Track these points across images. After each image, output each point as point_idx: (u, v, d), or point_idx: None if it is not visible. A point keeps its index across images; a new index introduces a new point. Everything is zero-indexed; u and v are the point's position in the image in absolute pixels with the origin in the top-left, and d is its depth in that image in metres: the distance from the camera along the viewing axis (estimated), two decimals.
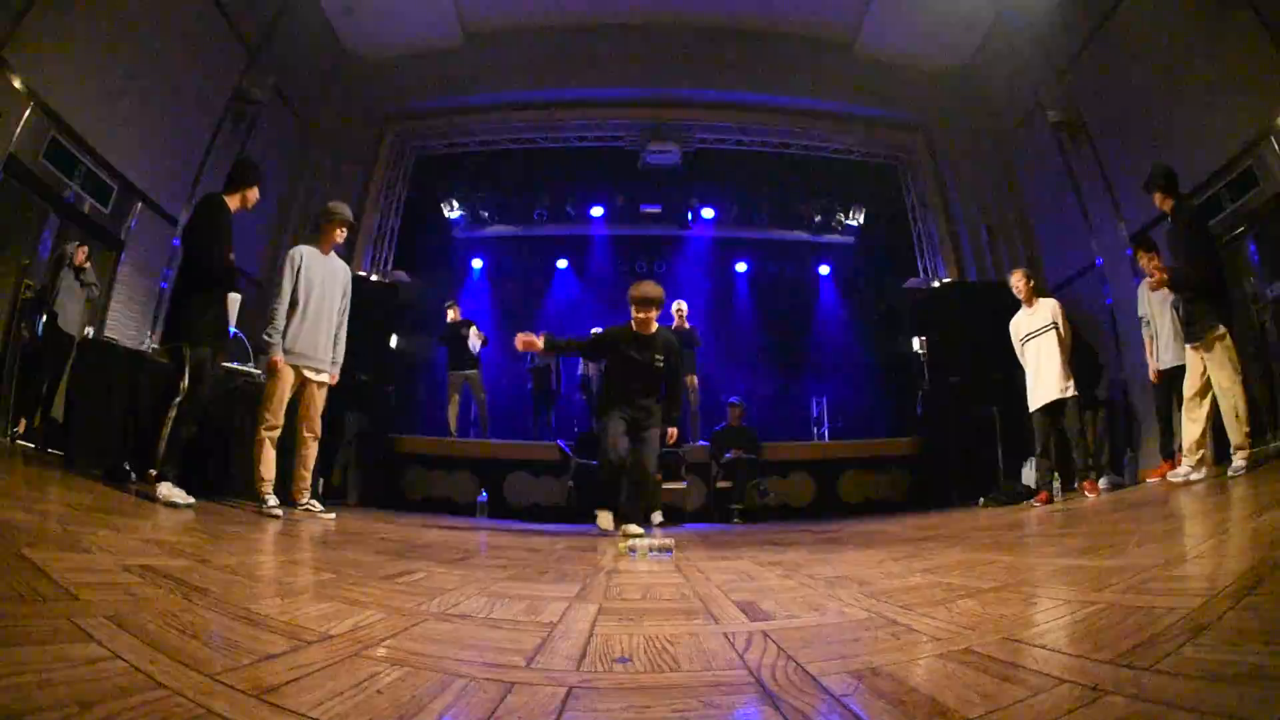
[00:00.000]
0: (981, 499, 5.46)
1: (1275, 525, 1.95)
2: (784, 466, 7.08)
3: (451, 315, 8.00)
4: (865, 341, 10.35)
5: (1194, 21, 5.32)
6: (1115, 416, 6.47)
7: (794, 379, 10.38)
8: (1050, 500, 4.66)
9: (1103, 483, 5.39)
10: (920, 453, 7.29)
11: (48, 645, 0.84)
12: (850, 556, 2.49)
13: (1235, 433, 3.76)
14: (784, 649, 1.04)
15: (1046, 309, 4.84)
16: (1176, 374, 4.40)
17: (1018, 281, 4.97)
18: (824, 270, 10.93)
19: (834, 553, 2.68)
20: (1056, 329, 4.73)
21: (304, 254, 3.83)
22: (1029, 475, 5.84)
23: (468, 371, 7.77)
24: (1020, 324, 4.97)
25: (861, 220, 10.25)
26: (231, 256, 3.53)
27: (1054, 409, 4.71)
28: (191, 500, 3.09)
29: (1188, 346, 4.03)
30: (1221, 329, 3.85)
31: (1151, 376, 4.90)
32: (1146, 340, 4.93)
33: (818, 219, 10.31)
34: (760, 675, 0.90)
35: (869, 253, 10.40)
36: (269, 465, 3.62)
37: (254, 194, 3.64)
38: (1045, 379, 4.72)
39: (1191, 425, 3.98)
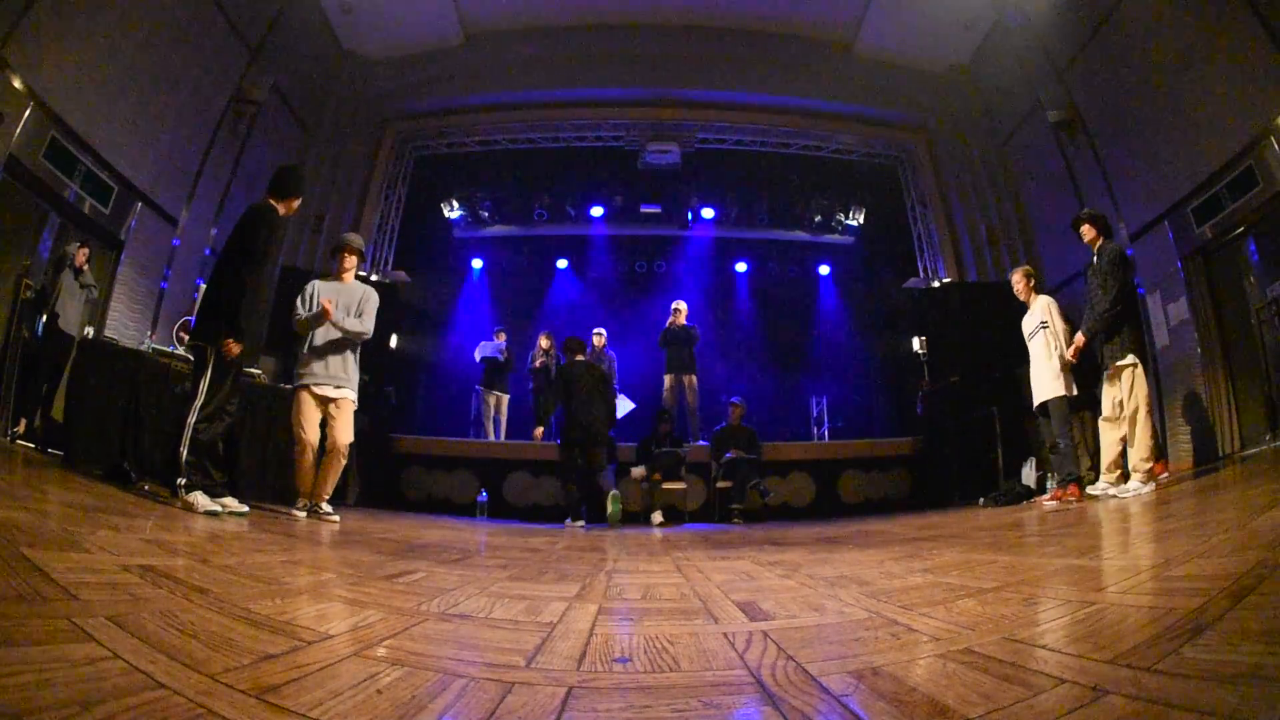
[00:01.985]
0: (981, 499, 5.47)
1: (1275, 525, 1.94)
2: (784, 466, 7.08)
3: (498, 339, 8.20)
4: (865, 341, 10.35)
5: (1194, 21, 5.32)
6: None
7: (794, 379, 10.38)
8: (1081, 496, 4.45)
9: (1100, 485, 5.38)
10: (920, 453, 7.30)
11: (48, 645, 0.84)
12: (850, 556, 2.49)
13: (1137, 455, 4.09)
14: (784, 649, 1.04)
15: (1039, 308, 4.78)
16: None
17: (1017, 281, 4.96)
18: (824, 270, 10.93)
19: (834, 553, 2.68)
20: (1047, 327, 4.68)
21: (316, 285, 4.07)
22: (1029, 475, 5.84)
23: (499, 393, 8.07)
24: (1024, 322, 4.94)
25: (861, 220, 10.25)
26: None
27: (1043, 410, 4.67)
28: (217, 508, 3.08)
29: (1104, 375, 4.35)
30: (1131, 358, 4.17)
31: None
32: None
33: (818, 219, 10.32)
34: (760, 675, 0.90)
35: (869, 253, 10.40)
36: (301, 479, 3.88)
37: (297, 204, 3.65)
38: (1039, 379, 4.69)
39: (1110, 447, 4.31)
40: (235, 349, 3.19)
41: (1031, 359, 4.77)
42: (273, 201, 3.50)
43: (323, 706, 0.73)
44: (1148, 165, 6.16)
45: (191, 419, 3.10)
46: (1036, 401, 4.69)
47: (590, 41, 8.57)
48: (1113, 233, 4.60)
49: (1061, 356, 4.55)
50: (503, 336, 8.29)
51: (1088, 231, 4.51)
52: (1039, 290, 4.96)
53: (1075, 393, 4.58)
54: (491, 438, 7.85)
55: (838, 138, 9.37)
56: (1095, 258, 4.48)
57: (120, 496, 3.05)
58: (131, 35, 5.49)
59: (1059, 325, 4.66)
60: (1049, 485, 5.10)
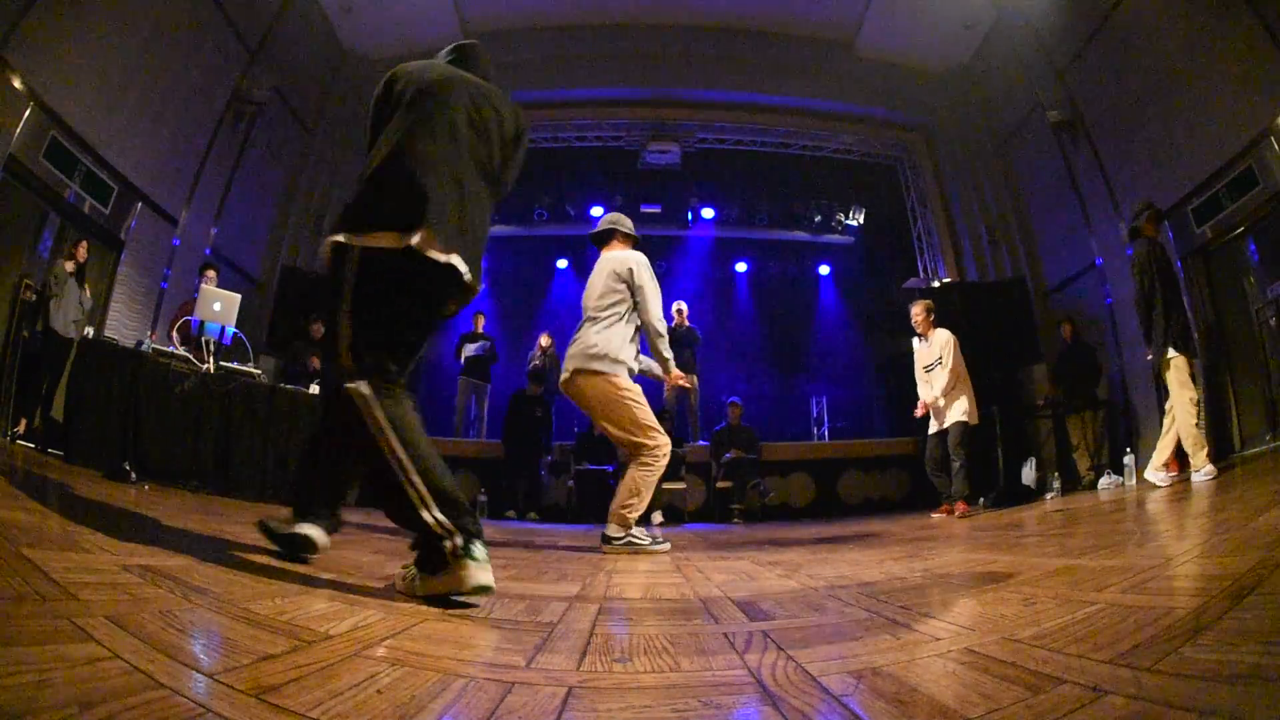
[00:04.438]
0: (982, 499, 5.47)
1: (1275, 525, 1.94)
2: (784, 466, 7.08)
3: (477, 324, 8.10)
4: (865, 341, 10.35)
5: (1194, 21, 5.32)
6: (1115, 417, 6.47)
7: (794, 379, 10.37)
8: (952, 513, 4.76)
9: (1102, 482, 5.40)
10: (920, 453, 7.29)
11: (48, 645, 0.84)
12: (850, 556, 2.49)
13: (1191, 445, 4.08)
14: (784, 649, 1.04)
15: (938, 343, 4.98)
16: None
17: (916, 314, 5.09)
18: (824, 270, 10.93)
19: (834, 553, 2.68)
20: (943, 365, 4.91)
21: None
22: (1029, 475, 5.85)
23: (480, 383, 7.95)
24: (920, 355, 5.13)
25: (861, 220, 10.26)
26: None
27: (943, 434, 4.98)
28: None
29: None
30: (1171, 351, 4.18)
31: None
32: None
33: (818, 219, 10.32)
34: (760, 675, 0.90)
35: (869, 253, 10.40)
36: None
37: None
38: (933, 409, 5.00)
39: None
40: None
41: (930, 390, 5.01)
42: None
43: (323, 706, 0.73)
44: (1147, 165, 6.16)
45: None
46: (937, 429, 5.00)
47: (590, 41, 8.57)
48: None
49: (945, 392, 4.84)
50: (481, 320, 8.09)
51: (1148, 227, 4.47)
52: (938, 324, 5.11)
53: (977, 421, 4.92)
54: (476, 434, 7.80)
55: (838, 138, 9.37)
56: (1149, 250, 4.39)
57: (120, 496, 3.05)
58: (131, 35, 5.49)
59: (950, 362, 4.90)
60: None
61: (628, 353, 3.03)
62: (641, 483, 2.93)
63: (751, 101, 9.08)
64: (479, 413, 8.01)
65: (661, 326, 3.12)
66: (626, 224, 3.41)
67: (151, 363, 4.32)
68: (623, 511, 2.89)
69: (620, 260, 3.16)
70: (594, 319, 3.07)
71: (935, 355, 4.98)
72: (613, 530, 2.89)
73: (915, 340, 5.16)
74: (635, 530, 2.91)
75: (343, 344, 1.61)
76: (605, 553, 2.81)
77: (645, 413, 3.01)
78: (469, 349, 7.92)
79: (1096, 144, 6.75)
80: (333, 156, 8.53)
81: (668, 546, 2.94)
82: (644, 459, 2.97)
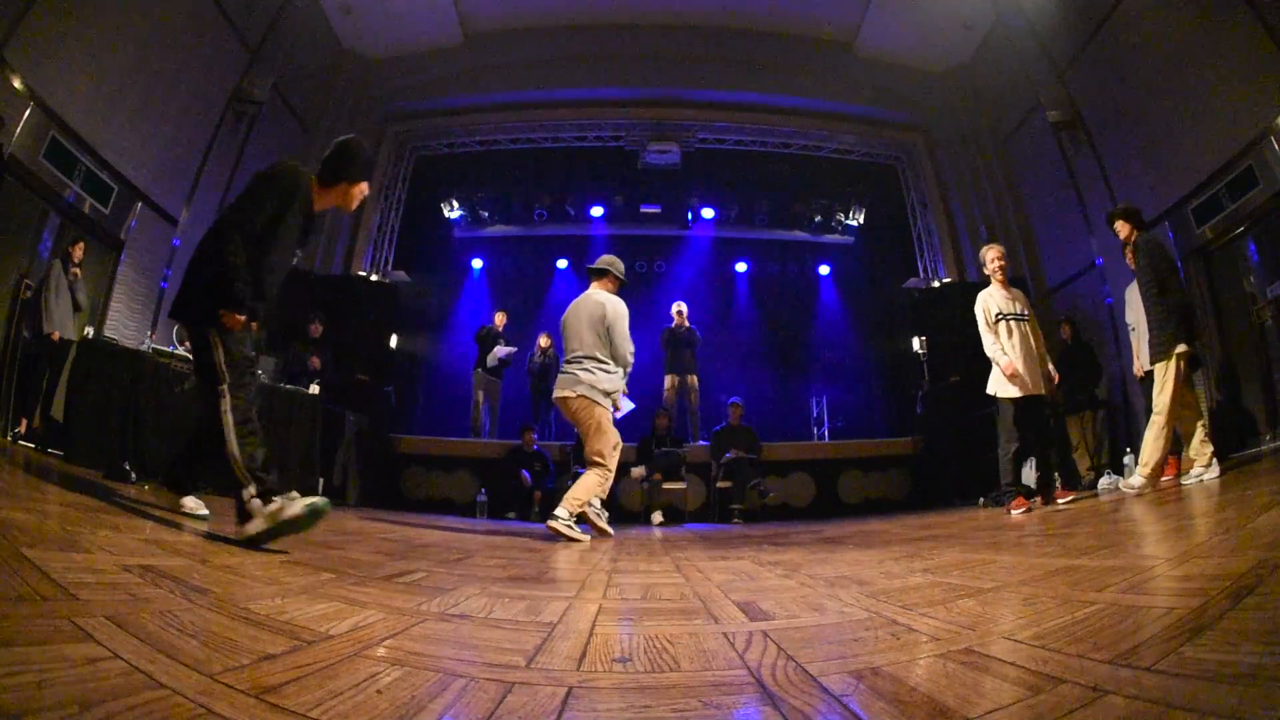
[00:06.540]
0: (981, 499, 5.46)
1: (1275, 525, 1.94)
2: (784, 466, 7.08)
3: (498, 320, 8.11)
4: (865, 341, 10.35)
5: (1194, 21, 5.32)
6: (1115, 416, 6.47)
7: (794, 379, 10.37)
8: (1029, 507, 4.24)
9: (1102, 482, 5.41)
10: (920, 453, 7.29)
11: (48, 645, 0.84)
12: (850, 556, 2.49)
13: (1192, 447, 3.93)
14: (784, 649, 1.04)
15: (1022, 298, 4.42)
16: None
17: (995, 257, 4.39)
18: (824, 270, 10.93)
19: (834, 553, 2.68)
20: (1028, 316, 4.32)
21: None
22: (1029, 475, 5.84)
23: (493, 378, 7.94)
24: (1001, 302, 4.34)
25: (861, 220, 10.26)
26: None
27: (1034, 405, 4.31)
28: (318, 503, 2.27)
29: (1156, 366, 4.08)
30: (1182, 347, 3.90)
31: (1137, 372, 5.06)
32: (1135, 345, 5.08)
33: (818, 219, 10.32)
34: (760, 675, 0.90)
35: (869, 253, 10.40)
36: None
37: (356, 191, 2.74)
38: (1031, 370, 4.24)
39: (1185, 432, 4.07)
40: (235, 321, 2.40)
41: (1019, 346, 4.25)
42: (302, 169, 2.62)
43: (323, 706, 0.73)
44: (1147, 165, 6.16)
45: (226, 409, 2.43)
46: (1035, 390, 4.26)
47: (591, 41, 8.57)
48: (1144, 224, 4.30)
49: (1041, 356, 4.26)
50: (502, 318, 8.11)
51: (1122, 228, 4.20)
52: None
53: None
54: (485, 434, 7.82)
55: (838, 138, 9.38)
56: (1134, 255, 4.15)
57: (120, 496, 3.05)
58: (131, 35, 5.49)
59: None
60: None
61: (617, 385, 3.79)
62: (597, 485, 3.61)
63: (751, 101, 9.08)
64: (492, 414, 8.01)
65: (630, 360, 3.82)
66: (619, 268, 3.99)
67: (151, 363, 4.33)
68: (575, 500, 3.51)
69: (598, 306, 3.78)
70: (595, 359, 3.73)
71: (1020, 309, 4.27)
72: (562, 512, 3.46)
73: (989, 292, 4.39)
74: (572, 521, 3.49)
75: None
76: (549, 527, 3.43)
77: (613, 439, 3.70)
78: (500, 351, 7.87)
79: (1096, 144, 6.75)
80: None
81: (587, 539, 3.46)
82: (601, 468, 3.65)
